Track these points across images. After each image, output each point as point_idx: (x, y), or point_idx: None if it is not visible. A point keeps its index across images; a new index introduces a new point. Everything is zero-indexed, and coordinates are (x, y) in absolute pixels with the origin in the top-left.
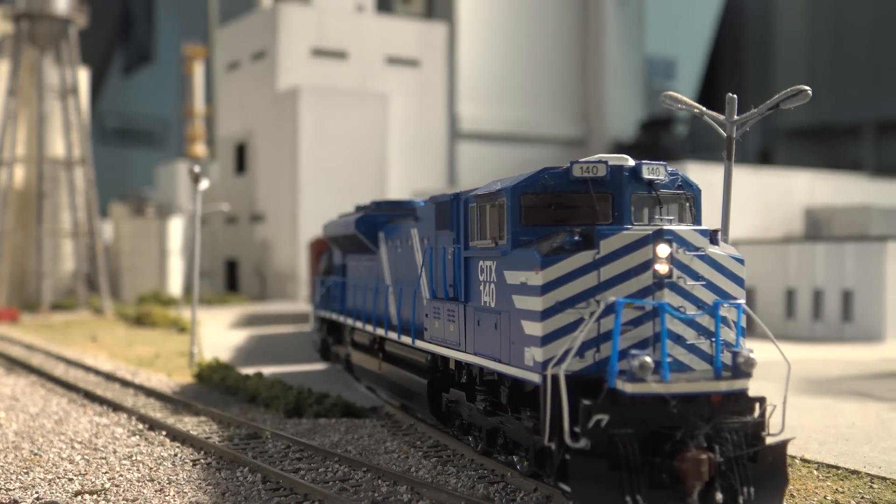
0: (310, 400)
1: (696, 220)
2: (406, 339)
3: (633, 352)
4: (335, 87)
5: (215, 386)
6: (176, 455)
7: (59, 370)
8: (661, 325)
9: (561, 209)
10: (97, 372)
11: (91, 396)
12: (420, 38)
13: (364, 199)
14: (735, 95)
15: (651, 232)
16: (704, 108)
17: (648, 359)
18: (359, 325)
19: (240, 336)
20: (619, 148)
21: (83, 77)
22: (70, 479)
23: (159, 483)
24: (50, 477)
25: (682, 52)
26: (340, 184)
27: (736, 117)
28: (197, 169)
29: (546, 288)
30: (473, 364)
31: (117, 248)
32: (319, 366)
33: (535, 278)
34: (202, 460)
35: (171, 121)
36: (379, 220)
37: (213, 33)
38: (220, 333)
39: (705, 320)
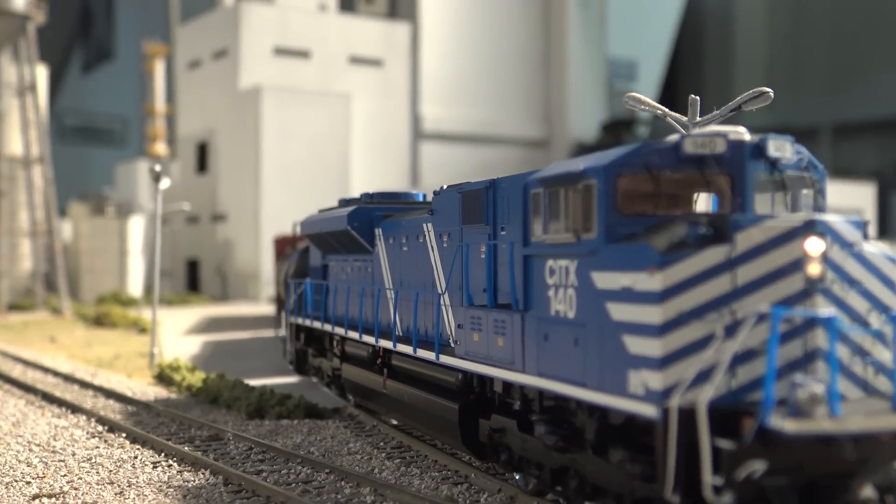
0: (272, 401)
1: (822, 210)
2: (426, 354)
3: (797, 379)
4: (298, 86)
5: (176, 387)
6: (136, 457)
7: (17, 371)
8: (827, 344)
9: (667, 194)
10: (56, 373)
11: (49, 398)
12: (383, 38)
13: (327, 198)
14: (697, 97)
15: (800, 223)
16: (666, 110)
17: (820, 388)
18: (353, 335)
19: (199, 344)
20: (582, 149)
21: (41, 74)
22: (28, 483)
23: (119, 486)
24: (7, 480)
25: (644, 53)
26: (303, 183)
27: (698, 118)
28: (157, 168)
29: (667, 294)
30: (531, 387)
31: (76, 248)
32: (291, 379)
33: (648, 282)
34: (163, 462)
35: (131, 119)
36: (375, 214)
37: (173, 31)
38: (176, 341)
39: (866, 339)
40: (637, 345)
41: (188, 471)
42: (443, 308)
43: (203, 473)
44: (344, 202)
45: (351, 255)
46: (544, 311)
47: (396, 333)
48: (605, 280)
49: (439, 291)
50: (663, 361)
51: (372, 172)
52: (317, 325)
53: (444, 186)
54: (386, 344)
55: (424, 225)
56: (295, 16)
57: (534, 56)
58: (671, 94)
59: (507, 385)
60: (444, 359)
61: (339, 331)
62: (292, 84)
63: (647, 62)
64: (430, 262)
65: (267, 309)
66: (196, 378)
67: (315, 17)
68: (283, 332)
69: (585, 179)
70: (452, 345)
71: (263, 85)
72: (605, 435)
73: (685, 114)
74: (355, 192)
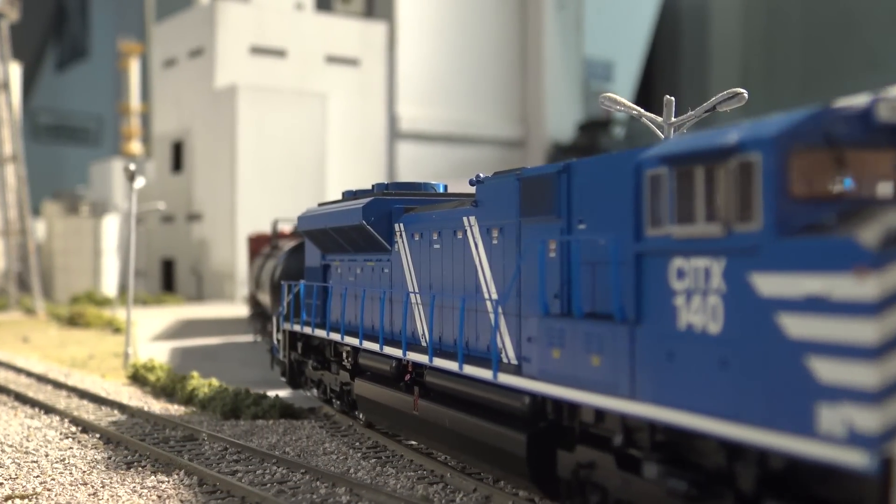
0: (247, 401)
1: None
2: (478, 372)
3: None
4: (274, 85)
5: (151, 387)
6: (110, 458)
7: None
8: None
9: (855, 172)
10: (29, 373)
11: (22, 398)
12: (360, 38)
13: (303, 198)
14: (673, 98)
15: None
16: (642, 110)
17: None
18: (371, 346)
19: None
20: (558, 149)
21: (15, 72)
22: (0, 484)
23: (93, 487)
24: None
25: (620, 54)
26: (279, 183)
27: (673, 119)
28: (132, 167)
29: (885, 304)
30: (641, 419)
31: (50, 247)
32: (282, 392)
33: (855, 287)
34: (137, 463)
35: (106, 118)
36: (394, 207)
37: (149, 29)
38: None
39: None
40: (834, 371)
41: (162, 471)
42: (493, 317)
43: (177, 474)
44: (350, 194)
45: (361, 254)
46: (667, 323)
47: (430, 346)
48: (777, 285)
49: (486, 297)
50: (880, 395)
51: (348, 172)
52: (320, 333)
53: (480, 175)
54: (418, 358)
55: (465, 218)
56: (271, 15)
57: (510, 56)
58: (647, 94)
59: (600, 413)
60: (505, 378)
61: (352, 341)
62: (269, 83)
63: (624, 63)
64: (472, 263)
65: (244, 310)
66: (170, 377)
67: (291, 16)
68: (272, 338)
69: (743, 155)
70: (506, 360)
71: (239, 84)
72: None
73: (661, 114)
74: (332, 193)
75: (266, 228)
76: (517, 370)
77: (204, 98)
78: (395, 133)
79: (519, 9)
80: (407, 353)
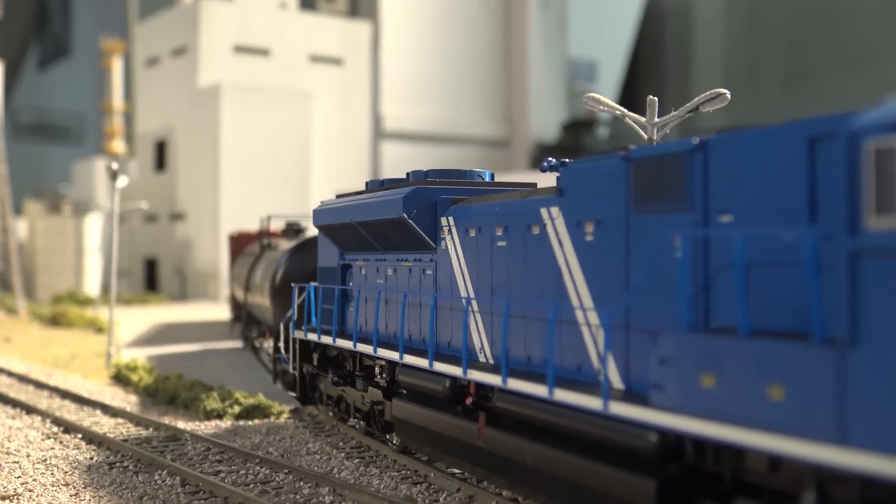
0: (231, 401)
1: None
2: (580, 400)
3: None
4: (257, 84)
5: (133, 387)
6: (92, 458)
7: None
8: None
9: None
10: (10, 373)
11: (3, 399)
12: (344, 37)
13: (287, 197)
14: (656, 98)
15: None
16: (625, 111)
17: None
18: (415, 361)
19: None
20: (542, 149)
21: None
22: None
23: (74, 487)
24: None
25: (604, 54)
26: (263, 182)
27: (656, 119)
28: (115, 166)
29: None
30: (862, 473)
31: (32, 247)
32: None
33: None
34: (119, 463)
35: (88, 116)
36: (440, 198)
37: (132, 28)
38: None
39: None
40: None
41: (145, 472)
42: (586, 330)
43: (160, 474)
44: (376, 184)
45: (394, 252)
46: None
47: (504, 364)
48: None
49: (576, 305)
50: None
51: (332, 171)
52: (343, 344)
53: (551, 160)
54: (485, 378)
55: (544, 210)
56: (255, 14)
57: (494, 56)
58: (631, 94)
59: (774, 460)
60: (624, 409)
61: (388, 354)
62: (252, 82)
63: (607, 63)
64: (554, 263)
65: (226, 311)
66: (153, 377)
67: (275, 15)
68: (274, 348)
69: None
70: (603, 382)
71: (223, 83)
72: None
73: (644, 114)
74: (315, 192)
75: (249, 227)
76: (631, 398)
77: (187, 97)
78: (379, 132)
79: (503, 9)
80: (468, 371)
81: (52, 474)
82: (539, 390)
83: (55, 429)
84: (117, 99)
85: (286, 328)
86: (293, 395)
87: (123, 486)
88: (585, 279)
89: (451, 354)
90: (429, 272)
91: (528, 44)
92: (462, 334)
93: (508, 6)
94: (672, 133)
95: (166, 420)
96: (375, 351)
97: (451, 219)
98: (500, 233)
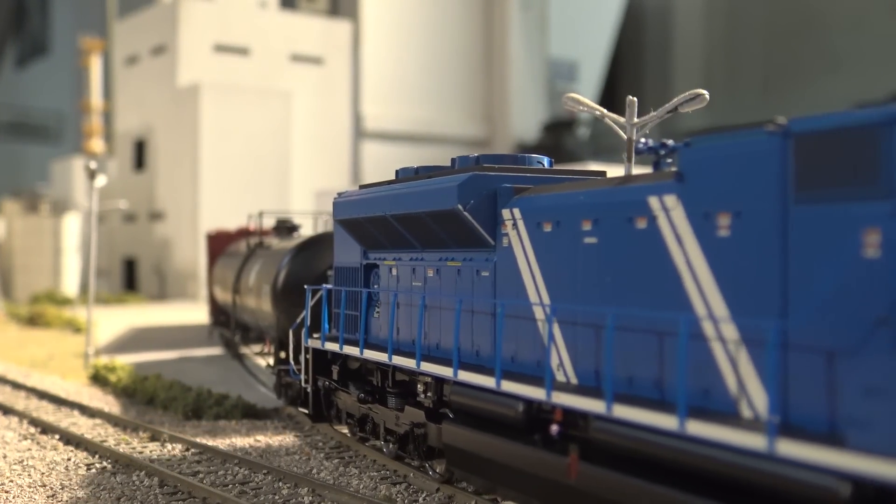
0: (209, 401)
1: None
2: (729, 436)
3: None
4: (237, 84)
5: (112, 387)
6: (69, 459)
7: None
8: None
9: None
10: None
11: None
12: (324, 36)
13: (267, 197)
14: (635, 98)
15: None
16: (605, 111)
17: None
18: (473, 378)
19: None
20: (523, 149)
21: None
22: None
23: (51, 489)
24: None
25: (585, 54)
26: (242, 182)
27: (636, 120)
28: (93, 165)
29: None
30: None
31: (9, 246)
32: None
33: None
34: (97, 464)
35: (67, 115)
36: (500, 186)
37: (111, 26)
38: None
39: None
40: None
41: (123, 472)
42: (717, 346)
43: (138, 475)
44: (410, 172)
45: (438, 250)
46: None
47: (608, 385)
48: None
49: (705, 316)
50: None
51: (312, 171)
52: (375, 356)
53: (647, 140)
54: (585, 405)
55: (654, 200)
56: (235, 13)
57: (475, 56)
58: (612, 94)
59: None
60: (801, 451)
61: (437, 370)
62: (232, 82)
63: (588, 63)
64: (669, 264)
65: (205, 312)
66: (131, 378)
67: (255, 14)
68: (276, 359)
69: None
70: (750, 413)
71: (202, 82)
72: None
73: (624, 114)
74: (296, 192)
75: (229, 226)
76: (800, 435)
77: (167, 96)
78: (359, 132)
79: (484, 8)
80: (553, 394)
81: (30, 475)
82: (665, 422)
83: (32, 429)
84: (96, 98)
85: (296, 336)
86: (303, 412)
87: (101, 487)
88: (717, 284)
89: (516, 371)
90: (485, 274)
91: (508, 44)
92: (536, 348)
93: (489, 6)
94: (652, 133)
95: (144, 420)
96: (419, 366)
97: (516, 211)
98: (587, 227)
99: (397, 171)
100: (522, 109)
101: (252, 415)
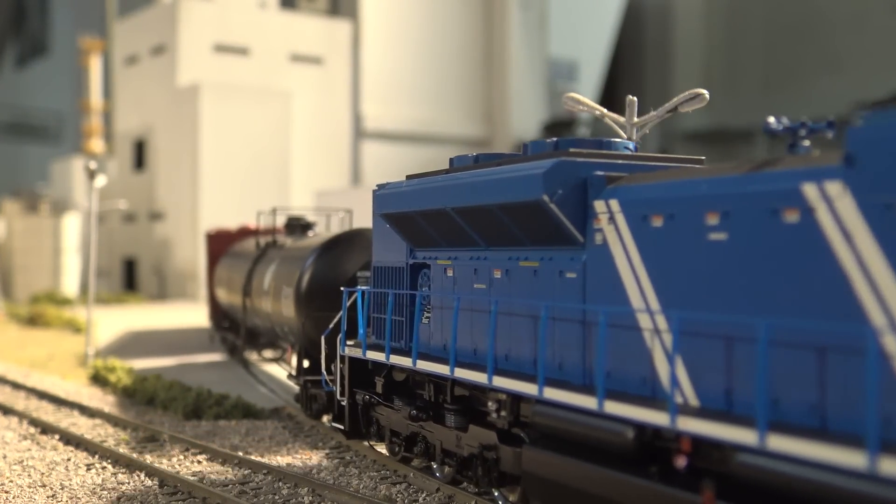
0: (209, 402)
1: None
2: None
3: None
4: (237, 84)
5: (111, 388)
6: (69, 459)
7: None
8: None
9: None
10: None
11: None
12: (324, 36)
13: (267, 197)
14: (635, 98)
15: None
16: (605, 111)
17: None
18: (569, 397)
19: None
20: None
21: None
22: None
23: (51, 489)
24: None
25: (585, 54)
26: (242, 182)
27: (636, 119)
28: (93, 165)
29: None
30: None
31: (9, 246)
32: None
33: None
34: (97, 464)
35: (66, 115)
36: (591, 174)
37: (110, 26)
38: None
39: None
40: None
41: (123, 473)
42: None
43: (138, 475)
44: (466, 160)
45: (506, 248)
46: None
47: (762, 410)
48: None
49: (886, 327)
50: None
51: (312, 171)
52: (433, 368)
53: (778, 120)
54: (727, 433)
55: (811, 188)
56: (234, 12)
57: (475, 56)
58: (611, 94)
59: None
60: None
61: (514, 385)
62: (232, 81)
63: (588, 62)
64: (833, 266)
65: (205, 312)
66: (131, 378)
67: (255, 14)
68: (297, 366)
69: None
70: None
71: (202, 82)
72: None
73: (624, 114)
74: (296, 192)
75: (229, 225)
76: None
77: (166, 96)
78: (359, 132)
79: (484, 8)
80: (678, 418)
81: (29, 475)
82: (845, 458)
83: (32, 430)
84: (96, 98)
85: (329, 344)
86: (337, 427)
87: (101, 487)
88: None
89: (615, 390)
90: (570, 275)
91: (508, 43)
92: (640, 363)
93: (489, 6)
94: (652, 133)
95: (144, 421)
96: (491, 380)
97: (613, 203)
98: (713, 221)
99: (452, 160)
100: (522, 109)
101: (252, 415)
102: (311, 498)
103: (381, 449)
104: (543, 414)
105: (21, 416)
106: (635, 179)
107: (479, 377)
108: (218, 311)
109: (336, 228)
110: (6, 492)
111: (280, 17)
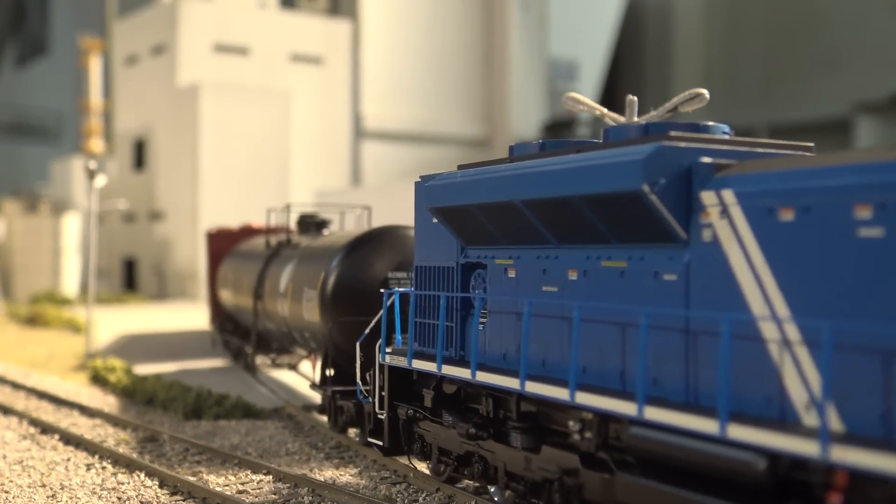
0: (209, 402)
1: None
2: None
3: None
4: (237, 83)
5: (111, 388)
6: (69, 459)
7: None
8: None
9: None
10: None
11: None
12: (324, 36)
13: (267, 197)
14: (635, 98)
15: None
16: (605, 110)
17: None
18: (680, 419)
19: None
20: None
21: None
22: None
23: (51, 489)
24: None
25: (585, 54)
26: (242, 182)
27: (636, 119)
28: (93, 165)
29: None
30: None
31: (9, 247)
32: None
33: None
34: (97, 465)
35: (66, 115)
36: (696, 162)
37: (110, 26)
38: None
39: None
40: None
41: (123, 472)
42: None
43: (138, 475)
44: (528, 148)
45: (584, 245)
46: None
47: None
48: None
49: None
50: None
51: (312, 171)
52: (498, 381)
53: None
54: None
55: None
56: (234, 13)
57: (475, 55)
58: (612, 94)
59: None
60: None
61: (598, 402)
62: (232, 81)
63: (588, 62)
64: None
65: (206, 314)
66: (131, 378)
67: (255, 13)
68: (321, 374)
69: None
70: None
71: (202, 82)
72: None
73: (624, 114)
74: (296, 192)
75: (230, 224)
76: None
77: (166, 96)
78: (359, 132)
79: (484, 8)
80: (832, 448)
81: (29, 475)
82: None
83: (32, 430)
84: (95, 97)
85: (365, 351)
86: (374, 443)
87: (101, 487)
88: None
89: (753, 412)
90: (668, 277)
91: (508, 43)
92: (765, 380)
93: (489, 5)
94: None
95: (144, 421)
96: (573, 397)
97: (727, 193)
98: (865, 215)
99: (512, 148)
100: (522, 109)
101: (252, 415)
102: (311, 498)
103: (422, 467)
104: (643, 437)
105: (21, 416)
106: (751, 167)
107: (557, 392)
108: (221, 314)
109: (351, 227)
110: (6, 492)
111: (280, 17)
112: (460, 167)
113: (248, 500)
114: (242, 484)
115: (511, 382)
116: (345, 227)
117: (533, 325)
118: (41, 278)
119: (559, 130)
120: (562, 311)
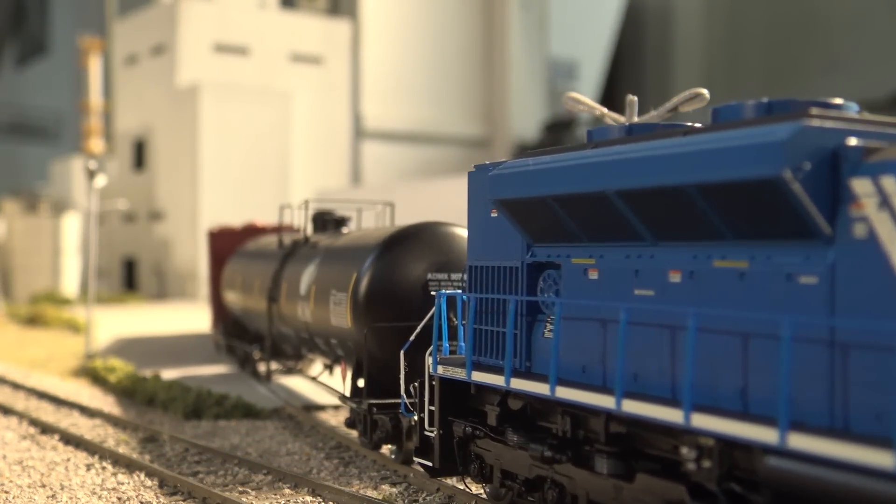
0: (209, 402)
1: None
2: None
3: None
4: (237, 83)
5: (111, 388)
6: (69, 460)
7: None
8: None
9: None
10: None
11: None
12: (324, 36)
13: (267, 197)
14: (635, 97)
15: None
16: (606, 110)
17: None
18: (842, 451)
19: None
20: (523, 149)
21: None
22: None
23: (51, 489)
24: None
25: (585, 53)
26: (242, 182)
27: (636, 119)
28: (93, 165)
29: None
30: None
31: (9, 247)
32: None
33: None
34: (96, 465)
35: (66, 115)
36: (842, 145)
37: (110, 26)
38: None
39: None
40: None
41: (123, 472)
42: None
43: (138, 476)
44: (608, 133)
45: (689, 243)
46: None
47: None
48: None
49: None
50: None
51: (312, 171)
52: (590, 398)
53: None
54: None
55: None
56: (234, 12)
57: (475, 55)
58: (612, 93)
59: None
60: None
61: (723, 427)
62: (232, 81)
63: (588, 62)
64: None
65: (207, 316)
66: (131, 378)
67: (255, 13)
68: (351, 386)
69: None
70: None
71: (202, 82)
72: None
73: (624, 114)
74: (295, 192)
75: (230, 224)
76: None
77: (166, 96)
78: (359, 132)
79: (484, 8)
80: None
81: (29, 476)
82: None
83: (32, 430)
84: (95, 97)
85: (410, 360)
86: (422, 464)
87: (101, 487)
88: None
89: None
90: (807, 280)
91: (508, 43)
92: None
93: (490, 6)
94: None
95: (144, 421)
96: (689, 419)
97: (888, 181)
98: None
99: (590, 132)
100: (522, 109)
101: (252, 415)
102: (311, 498)
103: (477, 490)
104: (787, 471)
105: (21, 416)
106: None
107: (665, 414)
108: (226, 317)
109: (369, 224)
110: (6, 492)
111: (280, 17)
112: (527, 153)
113: (247, 501)
114: (242, 484)
115: (601, 400)
116: (362, 224)
117: (616, 334)
118: (41, 278)
119: (559, 130)
120: (663, 318)
